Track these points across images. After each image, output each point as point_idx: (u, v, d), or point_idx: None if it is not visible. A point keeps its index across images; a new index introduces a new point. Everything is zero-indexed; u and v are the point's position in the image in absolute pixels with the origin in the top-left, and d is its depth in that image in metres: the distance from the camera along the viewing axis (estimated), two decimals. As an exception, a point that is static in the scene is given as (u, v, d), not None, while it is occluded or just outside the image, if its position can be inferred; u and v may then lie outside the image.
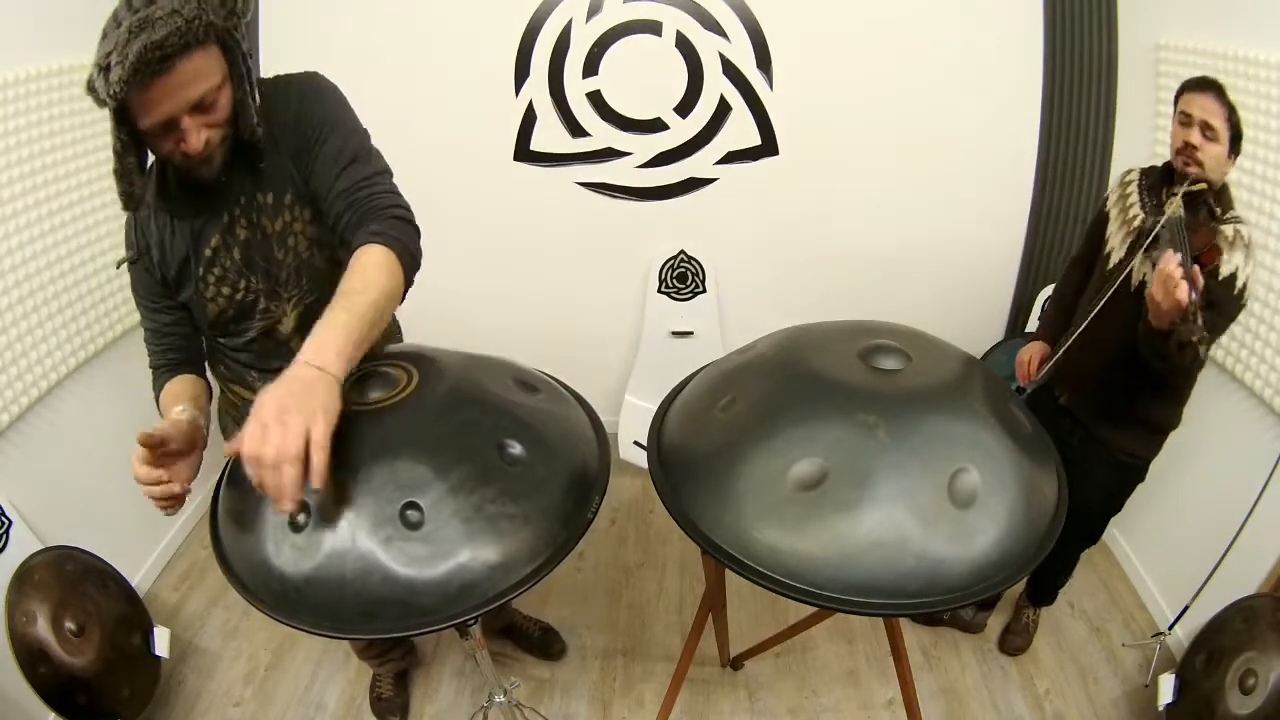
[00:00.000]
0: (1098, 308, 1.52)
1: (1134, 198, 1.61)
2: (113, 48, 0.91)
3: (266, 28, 2.44)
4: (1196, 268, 1.24)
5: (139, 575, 2.28)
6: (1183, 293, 1.20)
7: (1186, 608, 1.96)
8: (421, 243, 1.12)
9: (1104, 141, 2.43)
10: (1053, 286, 2.02)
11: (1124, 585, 2.32)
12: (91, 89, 0.95)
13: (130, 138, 1.02)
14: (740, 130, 2.46)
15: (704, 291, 2.67)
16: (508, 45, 2.37)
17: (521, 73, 2.40)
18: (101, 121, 2.06)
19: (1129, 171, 1.67)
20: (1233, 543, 1.83)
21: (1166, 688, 1.74)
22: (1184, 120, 1.46)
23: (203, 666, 2.11)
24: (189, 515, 2.59)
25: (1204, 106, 1.41)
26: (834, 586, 0.84)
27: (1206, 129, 1.41)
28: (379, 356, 1.06)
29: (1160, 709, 1.74)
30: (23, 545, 1.78)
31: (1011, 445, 0.94)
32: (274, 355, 1.32)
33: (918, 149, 2.46)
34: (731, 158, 2.51)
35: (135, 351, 2.25)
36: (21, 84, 1.78)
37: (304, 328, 1.28)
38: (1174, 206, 1.41)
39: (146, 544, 2.38)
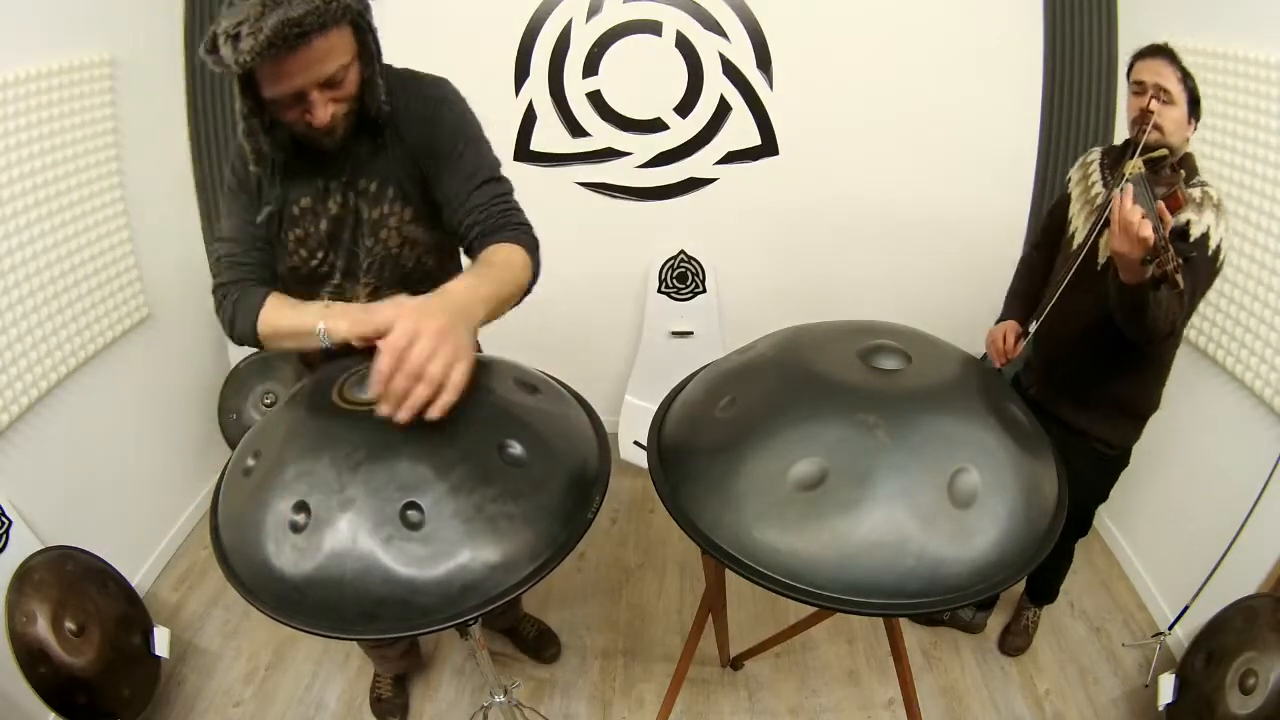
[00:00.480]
0: (1067, 278, 1.50)
1: (1095, 175, 1.59)
2: (244, 18, 0.92)
3: (266, 28, 2.44)
4: (1163, 204, 1.20)
5: (139, 575, 2.28)
6: (1147, 230, 1.15)
7: (1186, 608, 1.96)
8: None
9: (1104, 141, 2.43)
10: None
11: (1124, 585, 2.32)
12: (212, 52, 0.97)
13: (254, 102, 1.06)
14: (740, 130, 2.46)
15: (704, 291, 2.67)
16: (508, 45, 2.37)
17: (521, 73, 2.40)
18: (103, 121, 2.07)
19: (1090, 152, 1.65)
20: (1233, 543, 1.83)
21: (1166, 688, 1.74)
22: (1137, 89, 1.45)
23: (203, 666, 2.11)
24: (189, 515, 2.59)
25: (1156, 71, 1.40)
26: (834, 586, 0.84)
27: (1161, 93, 1.40)
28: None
29: (1160, 709, 1.74)
30: (23, 545, 1.78)
31: (1011, 445, 0.94)
32: None
33: (918, 149, 2.46)
34: (731, 158, 2.51)
35: (135, 352, 2.27)
36: (21, 84, 1.78)
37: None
38: (1133, 167, 1.36)
39: (146, 544, 2.38)
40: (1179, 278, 1.16)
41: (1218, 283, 1.88)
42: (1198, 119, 1.43)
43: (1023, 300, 1.82)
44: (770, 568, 0.86)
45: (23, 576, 1.68)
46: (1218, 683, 1.62)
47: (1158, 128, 1.41)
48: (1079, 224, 1.59)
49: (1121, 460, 1.71)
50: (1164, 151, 1.41)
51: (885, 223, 2.57)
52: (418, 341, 0.80)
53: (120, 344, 2.19)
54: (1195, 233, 1.35)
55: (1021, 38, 2.34)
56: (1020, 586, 2.12)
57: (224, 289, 1.23)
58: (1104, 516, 2.50)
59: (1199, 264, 1.35)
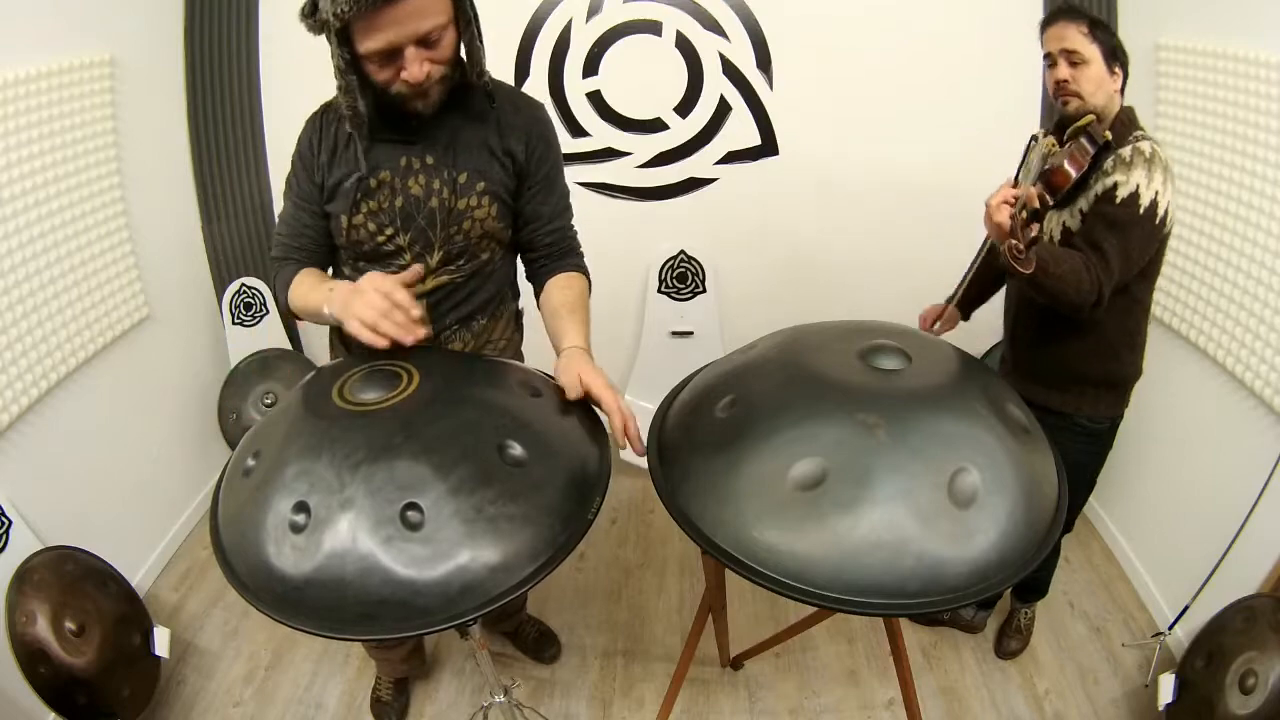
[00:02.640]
0: (974, 263, 1.57)
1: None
2: None
3: (266, 27, 2.45)
4: (1035, 187, 1.23)
5: (139, 575, 2.28)
6: (1002, 215, 1.20)
7: (1186, 608, 1.96)
8: None
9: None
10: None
11: (1124, 585, 2.32)
12: (310, 15, 1.01)
13: (351, 58, 1.08)
14: (740, 130, 2.46)
15: (704, 291, 2.67)
16: (508, 45, 2.37)
17: (521, 72, 2.40)
18: (103, 121, 2.07)
19: (1033, 135, 1.63)
20: (1233, 543, 1.83)
21: (1166, 688, 1.73)
22: (1049, 62, 1.42)
23: (203, 666, 2.11)
24: (189, 515, 2.59)
25: (1059, 36, 1.37)
26: (834, 586, 0.84)
27: (1071, 56, 1.36)
28: (379, 356, 1.06)
29: (1160, 709, 1.74)
30: (23, 545, 1.78)
31: (1011, 445, 0.94)
32: None
33: (918, 149, 2.46)
34: (731, 158, 2.51)
35: (135, 352, 2.27)
36: (21, 84, 1.78)
37: (433, 296, 1.33)
38: (1045, 144, 1.38)
39: (146, 544, 2.38)
40: (1016, 264, 1.22)
41: (1217, 283, 1.90)
42: (1122, 66, 1.39)
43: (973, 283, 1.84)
44: (770, 568, 0.86)
45: (23, 576, 1.68)
46: (1218, 683, 1.62)
47: (1075, 94, 1.38)
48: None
49: (1109, 436, 1.67)
50: (1090, 118, 1.37)
51: (885, 223, 2.57)
52: (628, 417, 1.04)
53: (120, 344, 2.19)
54: (1122, 194, 1.32)
55: (1022, 38, 2.33)
56: (1008, 594, 2.10)
57: (274, 264, 1.29)
58: (1104, 517, 2.50)
59: (1126, 222, 1.32)
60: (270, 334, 2.72)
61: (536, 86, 2.41)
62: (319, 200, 1.27)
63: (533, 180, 1.30)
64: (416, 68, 1.06)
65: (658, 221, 2.59)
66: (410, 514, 0.83)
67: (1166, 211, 1.35)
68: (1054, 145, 1.39)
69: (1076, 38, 1.35)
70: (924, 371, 1.01)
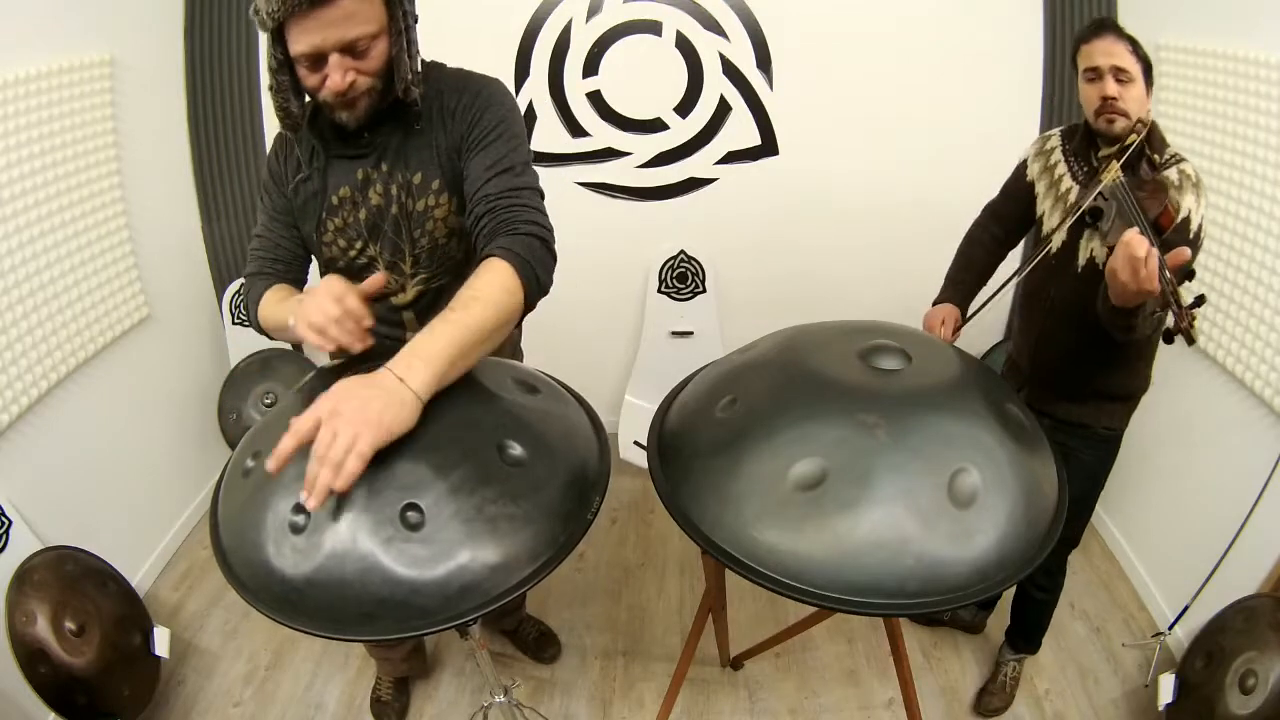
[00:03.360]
0: (1015, 274, 1.44)
1: (1061, 167, 1.48)
2: None
3: (266, 28, 2.44)
4: (1168, 261, 1.05)
5: (139, 575, 2.28)
6: (1154, 283, 1.03)
7: (1186, 608, 1.96)
8: (555, 269, 1.09)
9: (1104, 141, 2.43)
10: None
11: (1124, 585, 2.32)
12: (257, 11, 1.01)
13: (285, 58, 1.07)
14: (740, 130, 2.46)
15: (704, 291, 2.67)
16: (508, 45, 2.37)
17: (521, 73, 2.40)
18: (103, 121, 2.07)
19: (1049, 136, 1.54)
20: (1233, 543, 1.83)
21: (1166, 688, 1.73)
22: (1092, 76, 1.34)
23: (203, 666, 2.11)
24: (189, 515, 2.59)
25: (1108, 51, 1.29)
26: (834, 586, 0.84)
27: (1119, 74, 1.29)
28: (380, 357, 1.06)
29: (1160, 709, 1.74)
30: (23, 545, 1.78)
31: (1011, 445, 0.94)
32: (382, 318, 1.28)
33: (917, 149, 2.46)
34: (731, 158, 2.51)
35: (135, 352, 2.27)
36: (21, 84, 1.78)
37: (419, 304, 1.32)
38: (1112, 174, 1.27)
39: (146, 544, 2.38)
40: (1193, 331, 1.05)
41: (1217, 283, 1.90)
42: (1153, 84, 1.33)
43: (967, 283, 1.72)
44: (770, 568, 0.86)
45: (23, 576, 1.68)
46: (1218, 683, 1.62)
47: (1123, 113, 1.31)
48: (1053, 223, 1.47)
49: (1114, 445, 1.63)
50: (1134, 138, 1.31)
51: (885, 223, 2.57)
52: (322, 426, 0.79)
53: (120, 344, 2.19)
54: (1191, 222, 1.24)
55: (1021, 37, 2.34)
56: (999, 638, 2.03)
57: (249, 279, 1.27)
58: (1104, 517, 2.50)
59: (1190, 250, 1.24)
60: (270, 334, 2.72)
61: (536, 86, 2.41)
62: (292, 213, 1.27)
63: (472, 150, 1.17)
64: (339, 75, 1.05)
65: (658, 221, 2.59)
66: (410, 514, 0.82)
67: (1205, 232, 1.32)
68: (1119, 174, 1.29)
69: (1124, 56, 1.28)
70: (924, 371, 1.01)
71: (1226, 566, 1.86)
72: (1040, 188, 1.53)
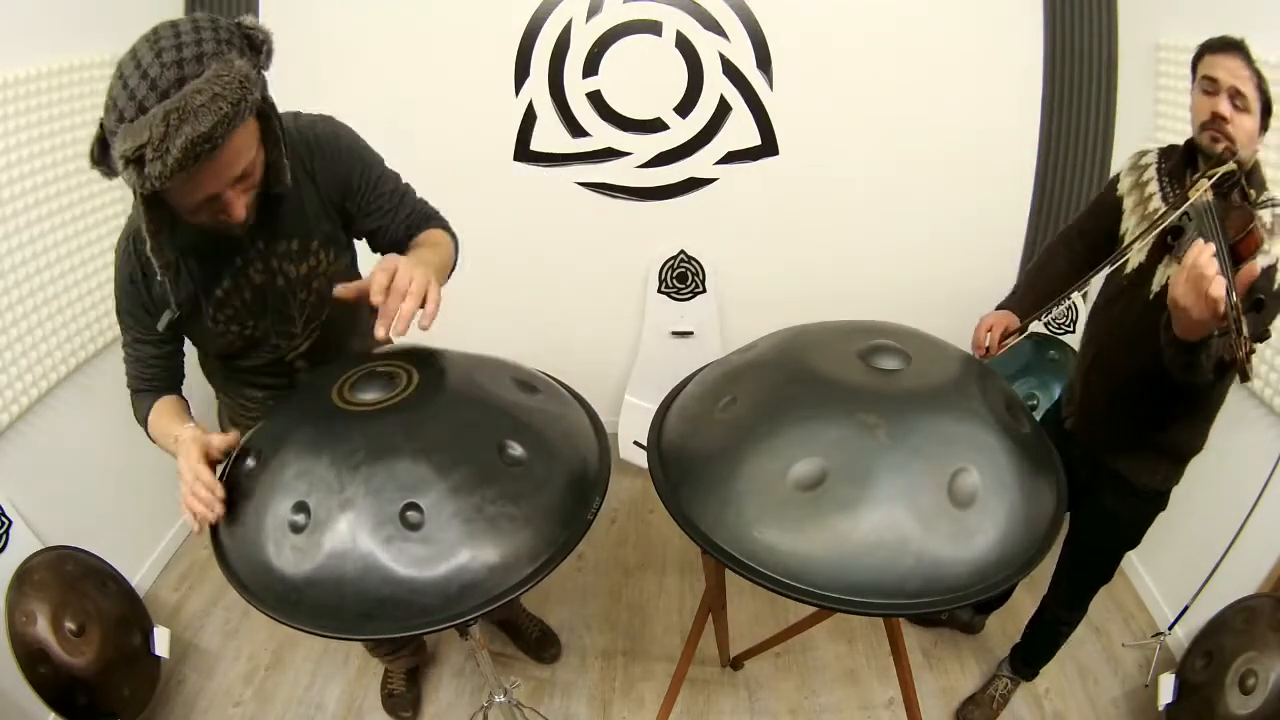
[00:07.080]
0: (1078, 283, 1.32)
1: (1153, 186, 1.37)
2: (146, 140, 0.83)
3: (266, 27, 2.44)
4: (1241, 274, 0.97)
5: (139, 575, 2.28)
6: (1218, 289, 0.93)
7: (1186, 608, 1.96)
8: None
9: (1104, 142, 2.43)
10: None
11: (1124, 585, 2.32)
12: (102, 164, 0.92)
13: (163, 215, 1.01)
14: (740, 130, 2.46)
15: (704, 291, 2.67)
16: (508, 45, 2.37)
17: (521, 73, 2.40)
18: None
19: (1145, 153, 1.43)
20: (1233, 542, 1.83)
21: (1166, 688, 1.74)
22: (1209, 88, 1.22)
23: (203, 666, 2.11)
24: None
25: (1231, 70, 1.18)
26: (834, 586, 0.84)
27: (1236, 97, 1.18)
28: (379, 357, 1.06)
29: (1160, 709, 1.74)
30: (23, 545, 1.78)
31: (1011, 446, 0.94)
32: (276, 373, 1.35)
33: (918, 149, 2.46)
34: (731, 158, 2.51)
35: (135, 351, 2.27)
36: (21, 84, 1.77)
37: (313, 353, 1.34)
38: (1200, 191, 1.16)
39: (146, 544, 2.38)
40: (1249, 366, 0.95)
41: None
42: (1266, 129, 1.21)
43: (1035, 293, 1.60)
44: (770, 568, 0.87)
45: (23, 576, 1.68)
46: (1218, 683, 1.62)
47: (1229, 137, 1.19)
48: (1138, 244, 1.33)
49: (1161, 501, 1.54)
50: (1232, 167, 1.18)
51: (885, 222, 2.57)
52: (399, 268, 0.96)
53: (120, 345, 2.19)
54: (1262, 264, 1.09)
55: (1021, 38, 2.34)
56: (999, 639, 2.00)
57: (131, 394, 1.30)
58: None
59: (1268, 299, 1.10)
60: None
61: (536, 86, 2.41)
62: (154, 328, 1.23)
63: (365, 197, 1.25)
64: (239, 207, 1.01)
65: (658, 221, 2.59)
66: (410, 514, 0.83)
67: None
68: (1209, 193, 1.19)
69: (1247, 81, 1.18)
70: (924, 371, 1.01)
71: (1226, 566, 1.86)
72: (1128, 204, 1.42)
